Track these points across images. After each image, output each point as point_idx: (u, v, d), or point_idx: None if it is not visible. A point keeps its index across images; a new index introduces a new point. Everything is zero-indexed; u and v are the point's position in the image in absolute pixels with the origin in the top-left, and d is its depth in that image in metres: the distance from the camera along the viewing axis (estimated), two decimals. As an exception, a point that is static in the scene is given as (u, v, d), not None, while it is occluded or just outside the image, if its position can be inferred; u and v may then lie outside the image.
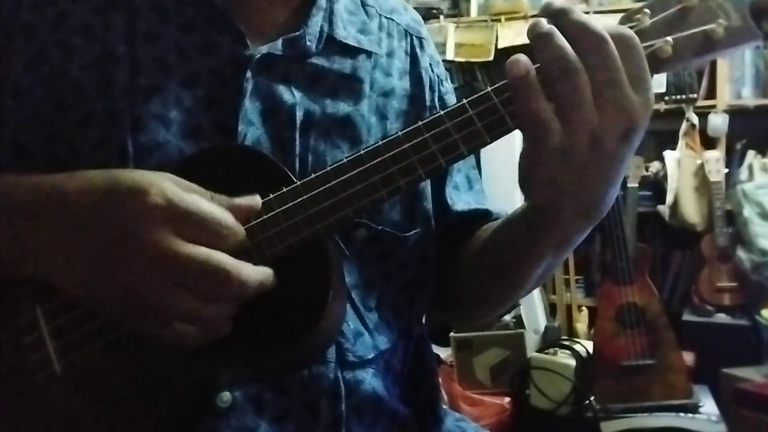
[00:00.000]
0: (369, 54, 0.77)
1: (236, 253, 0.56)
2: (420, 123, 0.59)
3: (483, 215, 0.83)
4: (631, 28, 0.60)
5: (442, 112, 0.59)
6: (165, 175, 0.57)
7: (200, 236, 0.54)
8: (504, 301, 0.82)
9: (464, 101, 0.59)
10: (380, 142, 0.60)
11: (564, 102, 0.55)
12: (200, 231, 0.54)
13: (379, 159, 0.59)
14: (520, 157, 0.59)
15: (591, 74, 0.54)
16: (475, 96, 0.59)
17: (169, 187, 0.55)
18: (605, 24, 0.56)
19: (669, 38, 0.59)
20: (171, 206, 0.54)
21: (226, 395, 0.63)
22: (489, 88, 0.59)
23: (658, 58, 0.59)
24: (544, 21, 0.56)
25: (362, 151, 0.60)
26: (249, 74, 0.68)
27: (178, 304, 0.54)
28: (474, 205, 0.83)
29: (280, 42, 0.70)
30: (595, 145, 0.55)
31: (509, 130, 0.59)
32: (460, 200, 0.82)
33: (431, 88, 0.82)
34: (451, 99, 0.84)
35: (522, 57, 0.56)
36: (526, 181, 0.59)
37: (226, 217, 0.56)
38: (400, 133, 0.59)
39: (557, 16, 0.56)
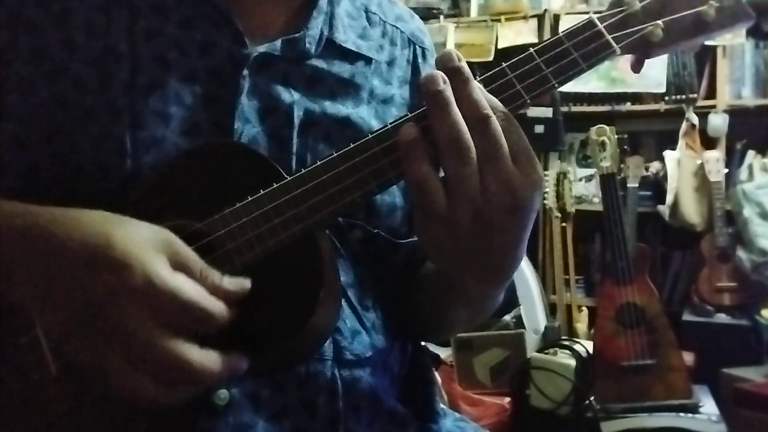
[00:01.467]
0: (368, 60, 0.77)
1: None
2: (409, 114, 0.59)
3: None
4: (621, 12, 0.60)
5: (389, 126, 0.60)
6: (159, 241, 0.55)
7: (178, 322, 0.54)
8: (442, 330, 0.84)
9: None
10: (370, 136, 0.60)
11: (449, 173, 0.55)
12: (179, 318, 0.54)
13: (369, 152, 0.59)
14: (414, 221, 0.60)
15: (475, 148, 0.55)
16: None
17: (155, 267, 0.53)
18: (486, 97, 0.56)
19: (659, 21, 0.59)
20: (151, 290, 0.52)
21: (224, 393, 0.63)
22: (478, 75, 0.59)
23: (649, 42, 0.59)
24: (440, 80, 0.55)
25: (352, 146, 0.60)
26: (246, 72, 0.68)
27: (140, 388, 0.54)
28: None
29: (279, 42, 0.71)
30: (479, 220, 0.56)
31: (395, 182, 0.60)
32: None
33: None
34: None
35: (411, 127, 0.56)
36: (422, 245, 0.61)
37: (208, 305, 0.55)
38: (389, 126, 0.59)
39: (452, 79, 0.55)
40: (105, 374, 0.55)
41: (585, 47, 0.58)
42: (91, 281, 0.54)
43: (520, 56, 0.59)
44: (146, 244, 0.54)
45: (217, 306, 0.55)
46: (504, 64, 0.59)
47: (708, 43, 2.88)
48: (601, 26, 0.59)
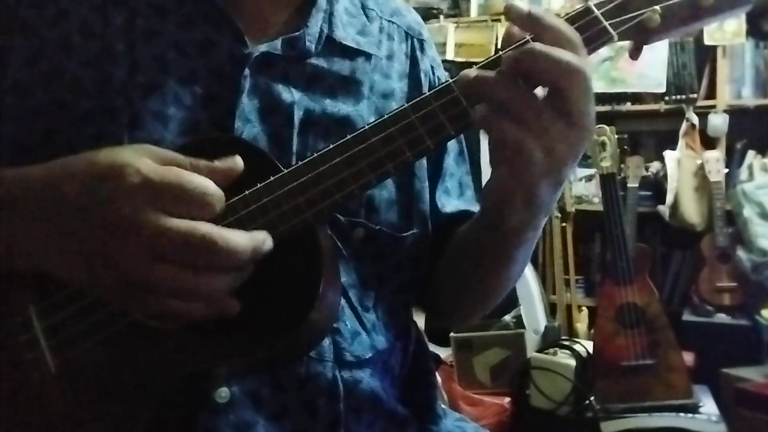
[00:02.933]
0: (368, 56, 0.77)
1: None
2: (407, 105, 0.59)
3: (470, 217, 0.84)
4: None
5: (428, 93, 0.60)
6: (143, 148, 0.56)
7: (182, 208, 0.54)
8: (477, 304, 0.84)
9: (449, 81, 0.60)
10: (367, 127, 0.60)
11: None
12: (181, 202, 0.54)
13: (366, 144, 0.59)
14: (494, 183, 0.61)
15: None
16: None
17: (144, 163, 0.54)
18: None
19: (657, 7, 0.58)
20: (148, 183, 0.53)
21: (224, 390, 0.63)
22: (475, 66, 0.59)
23: (646, 28, 0.59)
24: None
25: (349, 137, 0.60)
26: (247, 72, 0.68)
27: (169, 279, 0.53)
28: (462, 208, 0.84)
29: (279, 41, 0.71)
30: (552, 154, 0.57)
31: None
32: (449, 204, 0.83)
33: (430, 89, 0.82)
34: None
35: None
36: (503, 205, 0.62)
37: (206, 185, 0.55)
38: (386, 116, 0.59)
39: (534, 26, 0.57)
40: (138, 286, 0.54)
41: (582, 34, 0.58)
42: (90, 202, 0.54)
43: (518, 43, 0.59)
44: (128, 151, 0.56)
45: (212, 187, 0.56)
46: (501, 53, 0.59)
47: (708, 43, 2.89)
48: (597, 12, 0.59)
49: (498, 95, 0.56)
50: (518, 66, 0.56)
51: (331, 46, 0.74)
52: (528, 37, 0.57)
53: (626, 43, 0.62)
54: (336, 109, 0.72)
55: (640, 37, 0.59)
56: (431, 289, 0.82)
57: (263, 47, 0.70)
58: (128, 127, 0.65)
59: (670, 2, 0.58)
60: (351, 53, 0.76)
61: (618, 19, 0.59)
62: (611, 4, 0.59)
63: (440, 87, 0.60)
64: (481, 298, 0.82)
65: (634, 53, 0.62)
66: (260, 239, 0.57)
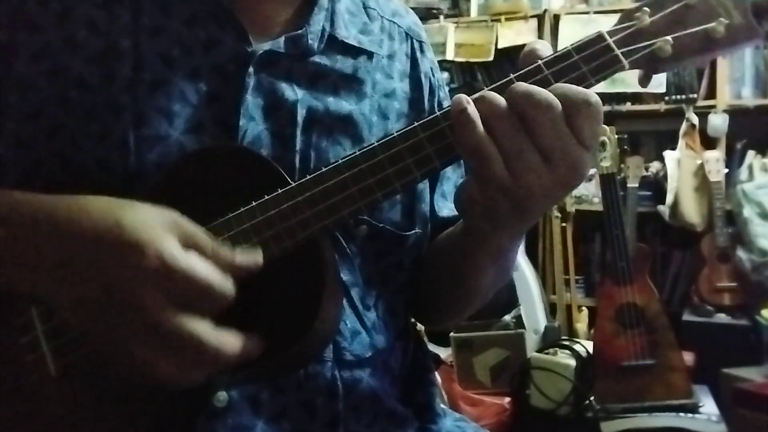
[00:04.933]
0: (370, 55, 0.77)
1: None
2: (416, 123, 0.59)
3: None
4: (630, 26, 0.59)
5: (439, 113, 0.59)
6: (168, 222, 0.55)
7: (192, 302, 0.53)
8: (458, 307, 0.83)
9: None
10: (376, 143, 0.60)
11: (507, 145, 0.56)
12: (192, 295, 0.53)
13: (375, 160, 0.59)
14: (463, 183, 0.61)
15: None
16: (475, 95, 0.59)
17: (168, 247, 0.53)
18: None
19: (669, 37, 0.58)
20: (165, 270, 0.52)
21: (223, 395, 0.64)
22: (485, 88, 0.59)
23: (657, 57, 0.59)
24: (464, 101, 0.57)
25: (357, 152, 0.60)
26: (251, 70, 0.68)
27: (156, 367, 0.54)
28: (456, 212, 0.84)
29: (282, 40, 0.71)
30: (544, 196, 0.57)
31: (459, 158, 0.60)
32: (445, 208, 0.83)
33: (431, 92, 0.83)
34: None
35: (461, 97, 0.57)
36: (465, 207, 0.61)
37: (221, 285, 0.55)
38: (396, 134, 0.59)
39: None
40: (121, 357, 0.55)
41: (594, 61, 0.58)
42: (104, 264, 0.54)
43: (529, 68, 0.59)
44: (156, 225, 0.54)
45: (228, 287, 0.55)
46: (512, 75, 0.59)
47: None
48: (610, 40, 0.59)
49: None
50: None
51: (334, 44, 0.74)
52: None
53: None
54: (339, 107, 0.72)
55: (650, 66, 0.59)
56: (416, 291, 0.82)
57: (267, 45, 0.70)
58: (133, 123, 0.65)
59: (683, 33, 0.58)
60: (353, 51, 0.76)
61: (630, 48, 0.59)
62: (624, 33, 0.59)
63: (450, 107, 0.59)
64: (454, 303, 0.82)
65: (644, 81, 0.62)
66: (251, 348, 0.56)
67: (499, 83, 0.59)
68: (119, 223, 0.54)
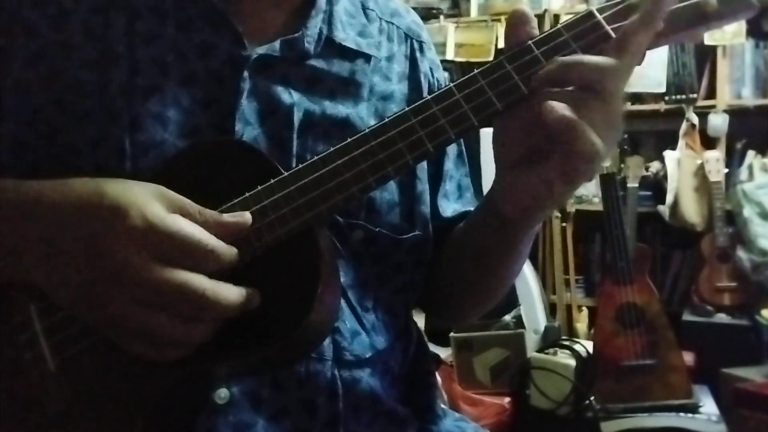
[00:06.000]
0: (368, 57, 0.77)
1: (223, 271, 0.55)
2: (407, 108, 0.59)
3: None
4: (620, 2, 0.59)
5: (429, 97, 0.59)
6: (152, 190, 0.55)
7: (180, 259, 0.53)
8: (478, 302, 0.84)
9: (450, 85, 0.59)
10: (367, 130, 0.60)
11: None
12: (180, 254, 0.53)
13: (366, 146, 0.59)
14: (518, 185, 0.61)
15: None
16: (463, 78, 0.59)
17: (150, 208, 0.53)
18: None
19: None
20: (150, 229, 0.52)
21: (224, 391, 0.64)
22: (476, 70, 0.59)
23: None
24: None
25: (349, 140, 0.60)
26: (246, 74, 0.68)
27: (158, 328, 0.53)
28: (461, 210, 0.84)
29: (278, 43, 0.71)
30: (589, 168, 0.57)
31: (497, 113, 0.59)
32: (449, 208, 0.83)
33: (430, 92, 0.82)
34: None
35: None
36: (529, 205, 0.62)
37: (209, 240, 0.55)
38: (387, 120, 0.59)
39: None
40: (122, 332, 0.54)
41: (584, 38, 0.58)
42: (87, 232, 0.54)
43: (519, 48, 0.59)
44: (140, 192, 0.55)
45: (218, 243, 0.55)
46: (502, 57, 0.59)
47: (708, 43, 2.89)
48: (600, 17, 0.59)
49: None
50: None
51: (331, 47, 0.74)
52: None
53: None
54: (335, 111, 0.72)
55: None
56: (431, 291, 0.82)
57: (262, 49, 0.70)
58: (128, 128, 0.65)
59: (675, 6, 0.58)
60: (350, 54, 0.75)
61: (620, 24, 0.58)
62: (614, 9, 0.59)
63: (441, 90, 0.59)
64: (483, 297, 0.83)
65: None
66: (250, 297, 0.56)
67: (490, 65, 0.59)
68: (101, 191, 0.55)
